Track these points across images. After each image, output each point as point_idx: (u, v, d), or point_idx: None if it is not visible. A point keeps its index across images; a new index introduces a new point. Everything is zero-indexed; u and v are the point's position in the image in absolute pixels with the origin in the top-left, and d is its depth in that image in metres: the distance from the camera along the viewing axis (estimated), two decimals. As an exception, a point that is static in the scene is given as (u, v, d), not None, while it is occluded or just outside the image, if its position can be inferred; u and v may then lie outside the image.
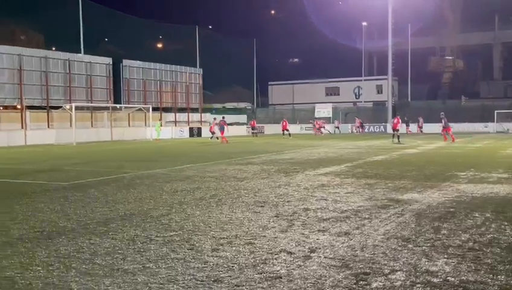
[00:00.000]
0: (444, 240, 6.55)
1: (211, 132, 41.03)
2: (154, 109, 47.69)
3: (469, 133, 47.21)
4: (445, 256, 5.81)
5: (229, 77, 71.55)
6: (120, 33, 64.35)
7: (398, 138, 32.89)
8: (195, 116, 54.64)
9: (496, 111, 51.20)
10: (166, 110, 52.60)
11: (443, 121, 33.64)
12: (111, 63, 46.14)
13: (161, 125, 45.05)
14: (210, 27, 79.55)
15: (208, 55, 63.11)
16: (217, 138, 38.02)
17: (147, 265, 5.60)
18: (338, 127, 58.12)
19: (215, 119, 43.36)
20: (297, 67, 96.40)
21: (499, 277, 5.06)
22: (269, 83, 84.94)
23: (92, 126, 43.98)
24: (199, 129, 51.16)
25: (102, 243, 6.64)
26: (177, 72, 53.35)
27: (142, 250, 6.24)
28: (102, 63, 45.44)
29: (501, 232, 6.97)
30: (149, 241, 6.70)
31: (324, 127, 54.33)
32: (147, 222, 7.96)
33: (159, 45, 78.29)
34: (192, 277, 5.18)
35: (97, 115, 45.16)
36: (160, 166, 17.49)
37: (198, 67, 58.57)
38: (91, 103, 43.56)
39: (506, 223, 7.49)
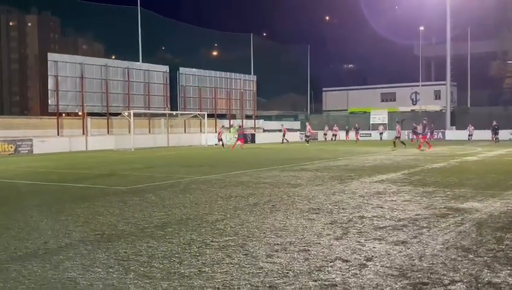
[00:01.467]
0: (507, 251, 6.29)
1: (218, 139, 41.11)
2: (209, 116, 48.38)
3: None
4: (509, 268, 5.58)
5: (283, 84, 71.64)
6: (177, 42, 65.82)
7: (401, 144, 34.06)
8: (249, 123, 55.01)
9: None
10: (221, 116, 53.24)
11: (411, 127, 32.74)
12: (168, 70, 47.21)
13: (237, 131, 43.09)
14: (264, 34, 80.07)
15: (262, 62, 63.52)
16: (222, 145, 38.83)
17: (203, 269, 5.67)
18: (335, 135, 55.20)
19: (222, 126, 43.59)
20: (352, 73, 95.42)
21: None
22: (323, 88, 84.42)
23: (149, 132, 45.09)
24: (253, 135, 51.45)
25: (160, 246, 6.78)
26: (231, 79, 53.95)
27: (198, 254, 6.33)
28: (159, 70, 46.54)
29: None
30: (205, 245, 6.79)
31: (335, 135, 53.66)
32: (202, 226, 8.07)
33: (214, 53, 79.45)
34: (247, 282, 5.20)
35: (154, 122, 46.26)
36: (215, 172, 17.70)
37: (252, 74, 59.02)
38: (148, 109, 44.67)
39: None
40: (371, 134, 58.13)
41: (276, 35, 78.77)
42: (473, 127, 49.54)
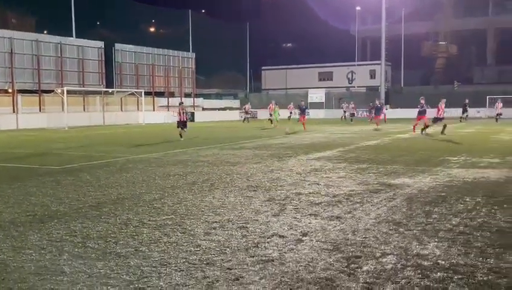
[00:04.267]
0: (435, 224, 6.60)
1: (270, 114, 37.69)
2: (146, 94, 47.47)
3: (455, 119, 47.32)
4: (436, 240, 5.86)
5: (222, 62, 71.11)
6: (113, 17, 63.72)
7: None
8: (188, 101, 54.44)
9: (488, 96, 51.36)
10: (159, 94, 52.36)
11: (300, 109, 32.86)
12: (103, 46, 45.82)
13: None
14: (203, 11, 78.92)
15: (201, 39, 62.72)
16: (271, 121, 36.12)
17: (140, 248, 5.62)
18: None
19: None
20: (291, 52, 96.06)
21: (488, 260, 5.12)
22: (262, 67, 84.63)
23: (84, 110, 43.73)
24: (192, 114, 50.97)
25: (95, 226, 6.65)
26: (169, 57, 53.08)
27: (134, 234, 6.26)
28: (94, 46, 45.11)
29: (491, 216, 7.04)
30: (141, 225, 6.72)
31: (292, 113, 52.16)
32: (139, 206, 7.96)
33: (152, 29, 77.66)
34: (184, 259, 5.20)
35: (89, 99, 44.88)
36: (153, 150, 17.46)
37: (191, 51, 58.26)
38: (83, 86, 43.28)
39: (496, 207, 7.56)
40: (309, 112, 58.83)
41: (215, 13, 77.78)
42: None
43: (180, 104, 24.50)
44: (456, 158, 14.16)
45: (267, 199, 8.39)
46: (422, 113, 25.61)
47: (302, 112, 31.97)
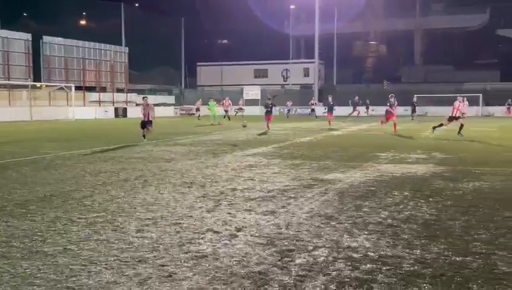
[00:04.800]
0: (365, 217, 6.80)
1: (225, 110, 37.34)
2: (77, 88, 45.98)
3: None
4: (366, 232, 6.04)
5: (156, 57, 69.94)
6: (41, 8, 61.18)
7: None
8: (120, 96, 53.18)
9: (415, 95, 53.49)
10: (90, 89, 50.81)
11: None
12: (30, 39, 43.90)
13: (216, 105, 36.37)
14: (137, 5, 77.31)
15: (135, 33, 61.40)
16: (229, 118, 35.49)
17: (68, 247, 5.42)
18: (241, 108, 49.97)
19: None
20: (227, 48, 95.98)
21: (414, 251, 5.32)
22: (197, 63, 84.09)
23: (9, 105, 41.73)
24: (125, 110, 49.85)
25: (21, 225, 6.36)
26: (101, 50, 51.65)
27: (63, 232, 6.04)
28: (20, 38, 43.15)
29: (418, 209, 7.33)
30: (71, 223, 6.49)
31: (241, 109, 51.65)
32: (68, 203, 7.69)
33: (83, 22, 75.25)
34: (115, 257, 5.07)
35: (15, 94, 42.83)
36: (84, 147, 16.93)
37: (124, 45, 56.93)
38: (8, 80, 41.30)
39: (422, 201, 7.88)
40: (244, 109, 59.01)
41: (149, 7, 76.31)
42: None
43: (144, 98, 20.43)
44: (385, 154, 14.64)
45: (201, 195, 8.33)
46: (390, 112, 24.25)
47: (269, 110, 27.14)
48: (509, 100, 50.92)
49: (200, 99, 44.51)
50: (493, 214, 6.98)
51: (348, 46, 78.45)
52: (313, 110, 46.76)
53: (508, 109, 50.42)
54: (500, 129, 27.37)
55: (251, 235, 5.89)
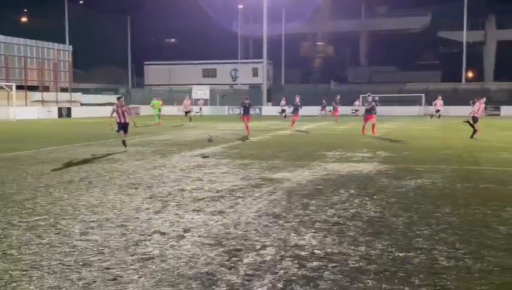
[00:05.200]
0: (312, 216, 6.89)
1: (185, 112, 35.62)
2: (18, 88, 44.36)
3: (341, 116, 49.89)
4: (313, 231, 6.12)
5: (102, 55, 68.38)
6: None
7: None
8: (64, 96, 51.69)
9: (360, 95, 54.69)
10: (32, 88, 49.14)
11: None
12: (-33, 36, 42.07)
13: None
14: (81, 2, 75.32)
15: (80, 31, 59.85)
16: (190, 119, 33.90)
17: (8, 252, 5.23)
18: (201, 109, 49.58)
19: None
20: (175, 47, 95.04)
21: (359, 247, 5.44)
22: (145, 62, 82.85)
23: None
24: (69, 109, 48.45)
25: (-44, 231, 6.07)
26: (44, 49, 50.10)
27: (2, 236, 5.81)
28: (-44, 35, 41.27)
29: (363, 207, 7.50)
30: (11, 227, 6.26)
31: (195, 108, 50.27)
32: (8, 206, 7.41)
33: (24, 19, 72.73)
34: (58, 261, 4.93)
35: (-49, 93, 40.97)
36: (25, 148, 16.35)
37: (67, 44, 55.41)
38: None
39: (367, 199, 8.07)
40: (192, 108, 58.52)
41: (94, 4, 74.54)
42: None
43: (118, 98, 16.88)
44: (332, 153, 14.89)
45: (148, 197, 8.22)
46: (369, 112, 22.26)
47: (246, 111, 23.45)
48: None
49: (188, 96, 41.67)
50: (434, 211, 7.23)
51: (296, 46, 79.40)
52: (283, 110, 45.40)
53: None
54: (438, 129, 28.36)
55: (199, 236, 5.86)
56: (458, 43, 63.95)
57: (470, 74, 70.14)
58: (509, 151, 15.07)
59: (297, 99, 29.90)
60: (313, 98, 51.20)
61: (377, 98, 23.26)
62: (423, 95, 53.64)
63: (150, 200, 7.90)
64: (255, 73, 76.81)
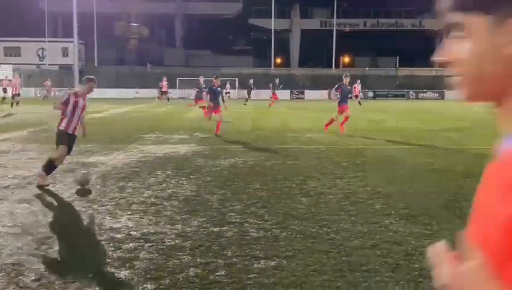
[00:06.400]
0: (128, 198, 6.81)
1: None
2: None
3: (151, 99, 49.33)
4: (129, 213, 6.06)
5: None
6: None
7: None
8: None
9: (178, 78, 55.13)
10: None
11: None
12: None
13: None
14: None
15: None
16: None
17: None
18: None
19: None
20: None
21: (176, 225, 5.55)
22: None
23: None
24: None
25: None
26: None
27: None
28: None
29: (179, 186, 7.63)
30: None
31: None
32: None
33: None
34: None
35: None
36: None
37: None
38: None
39: (184, 179, 8.22)
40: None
41: None
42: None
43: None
44: (149, 135, 14.79)
45: None
46: (342, 102, 16.45)
47: (215, 95, 16.31)
48: (228, 85, 46.20)
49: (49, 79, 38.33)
50: (246, 187, 7.66)
51: (110, 26, 76.44)
52: (164, 91, 40.50)
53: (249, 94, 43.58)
54: (252, 111, 29.93)
55: (3, 226, 5.42)
56: (268, 30, 67.89)
57: (279, 60, 74.94)
58: (313, 132, 16.50)
59: (201, 80, 24.14)
60: (129, 80, 50.10)
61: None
62: (236, 79, 55.99)
63: None
64: (65, 53, 72.30)
